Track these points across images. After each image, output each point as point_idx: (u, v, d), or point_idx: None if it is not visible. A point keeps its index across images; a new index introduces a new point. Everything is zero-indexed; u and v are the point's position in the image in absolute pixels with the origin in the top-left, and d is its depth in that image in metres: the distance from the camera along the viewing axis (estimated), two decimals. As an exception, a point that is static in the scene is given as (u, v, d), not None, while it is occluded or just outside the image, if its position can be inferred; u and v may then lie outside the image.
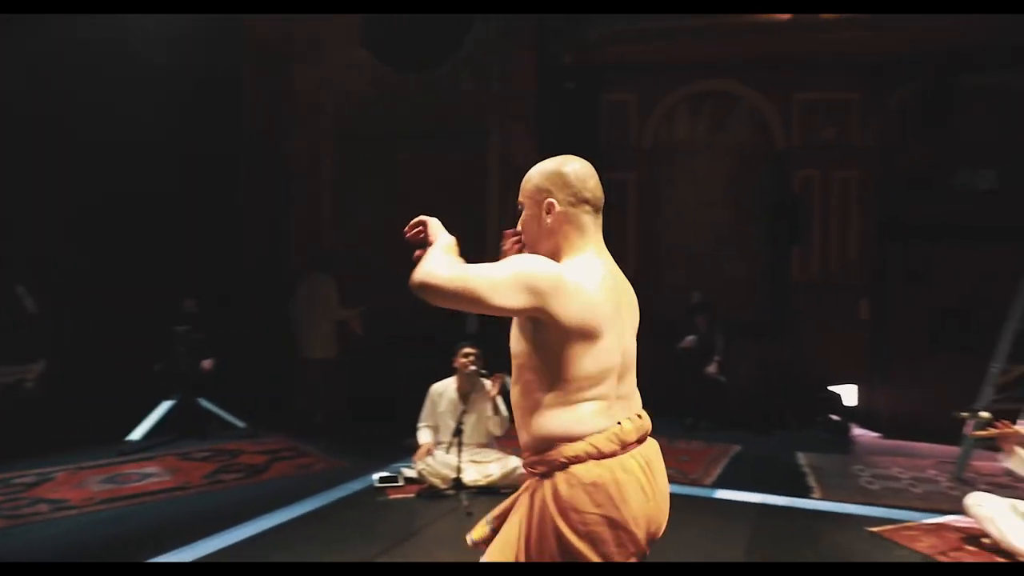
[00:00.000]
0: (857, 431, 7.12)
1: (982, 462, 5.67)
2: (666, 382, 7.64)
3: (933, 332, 7.67)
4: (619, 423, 1.75)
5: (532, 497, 1.76)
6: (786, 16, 7.17)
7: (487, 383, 5.14)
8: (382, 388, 7.35)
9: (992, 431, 4.09)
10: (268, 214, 8.33)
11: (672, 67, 8.03)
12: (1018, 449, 4.03)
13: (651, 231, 8.41)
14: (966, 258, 7.56)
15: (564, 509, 1.67)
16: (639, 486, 1.72)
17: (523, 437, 1.82)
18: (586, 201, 1.83)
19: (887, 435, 6.97)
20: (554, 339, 1.71)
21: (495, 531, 1.90)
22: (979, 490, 5.01)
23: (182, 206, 6.89)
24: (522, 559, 1.75)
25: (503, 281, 1.66)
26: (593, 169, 1.88)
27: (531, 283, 1.66)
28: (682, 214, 8.43)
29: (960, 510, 4.65)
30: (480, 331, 7.55)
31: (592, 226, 1.85)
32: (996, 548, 4.02)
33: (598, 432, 1.72)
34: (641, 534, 1.72)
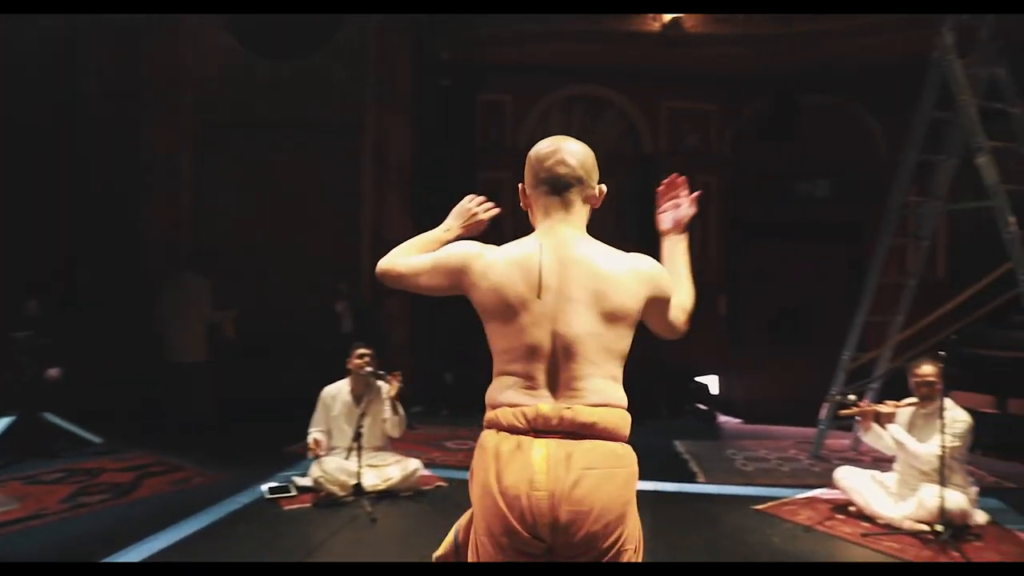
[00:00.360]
0: (722, 418, 7.66)
1: (831, 440, 6.29)
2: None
3: (778, 325, 8.44)
4: (541, 407, 1.70)
5: None
6: (656, 28, 7.57)
7: (383, 384, 5.00)
8: (257, 392, 6.92)
9: (855, 410, 4.55)
10: (122, 207, 7.56)
11: (547, 70, 8.21)
12: (874, 425, 4.50)
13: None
14: (804, 257, 8.40)
15: (471, 467, 1.80)
16: (527, 470, 1.64)
17: None
18: (542, 182, 1.86)
19: (747, 420, 7.57)
20: (480, 312, 1.83)
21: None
22: (833, 465, 5.57)
23: (28, 199, 6.10)
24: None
25: (427, 266, 1.88)
26: (557, 147, 1.86)
27: (442, 266, 1.87)
28: (554, 213, 8.64)
29: (823, 484, 5.16)
30: (356, 331, 7.33)
31: (550, 206, 1.86)
32: (861, 515, 4.48)
33: (509, 406, 1.72)
34: (515, 518, 1.63)
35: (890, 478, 4.55)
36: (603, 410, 1.71)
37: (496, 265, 1.79)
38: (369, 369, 4.98)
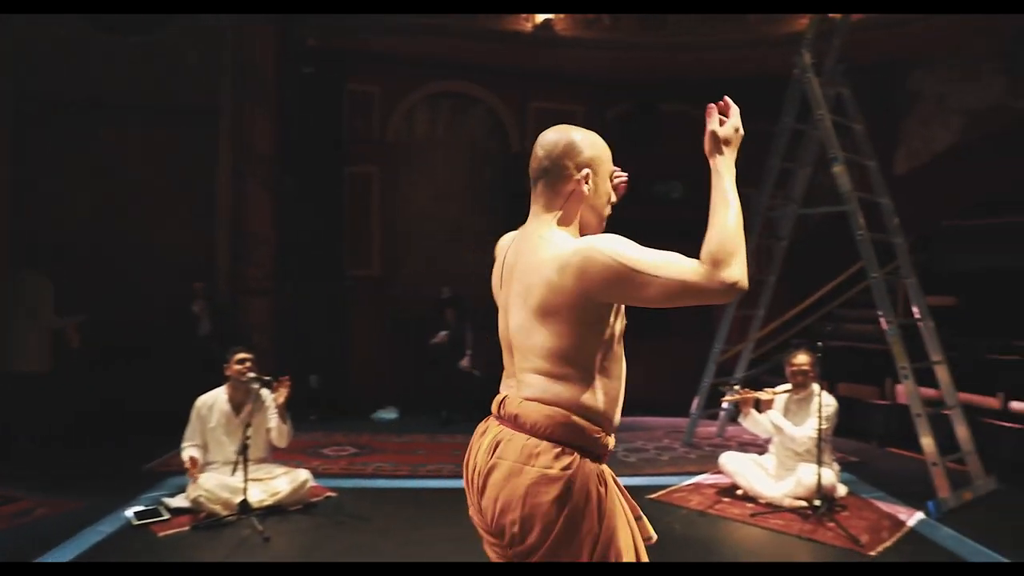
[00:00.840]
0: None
1: (701, 428, 6.69)
2: (420, 378, 7.65)
3: (640, 319, 8.86)
4: (501, 394, 1.78)
5: None
6: (528, 29, 7.65)
7: (266, 392, 4.63)
8: (109, 406, 6.14)
9: (737, 396, 4.86)
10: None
11: (418, 64, 8.02)
12: (753, 411, 4.84)
13: (393, 224, 8.31)
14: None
15: None
16: (471, 452, 1.78)
17: None
18: (530, 172, 1.81)
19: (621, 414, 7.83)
20: None
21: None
22: (705, 451, 5.92)
23: None
24: None
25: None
26: (545, 136, 1.81)
27: None
28: (422, 208, 8.49)
29: (704, 470, 5.47)
30: (214, 333, 6.77)
31: (535, 196, 1.79)
32: (746, 496, 4.80)
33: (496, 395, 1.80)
34: (469, 493, 1.75)
35: (768, 460, 4.91)
36: (530, 405, 1.66)
37: (498, 252, 1.90)
38: (252, 375, 4.59)
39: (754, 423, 4.91)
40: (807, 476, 4.57)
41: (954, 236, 8.78)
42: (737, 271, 1.52)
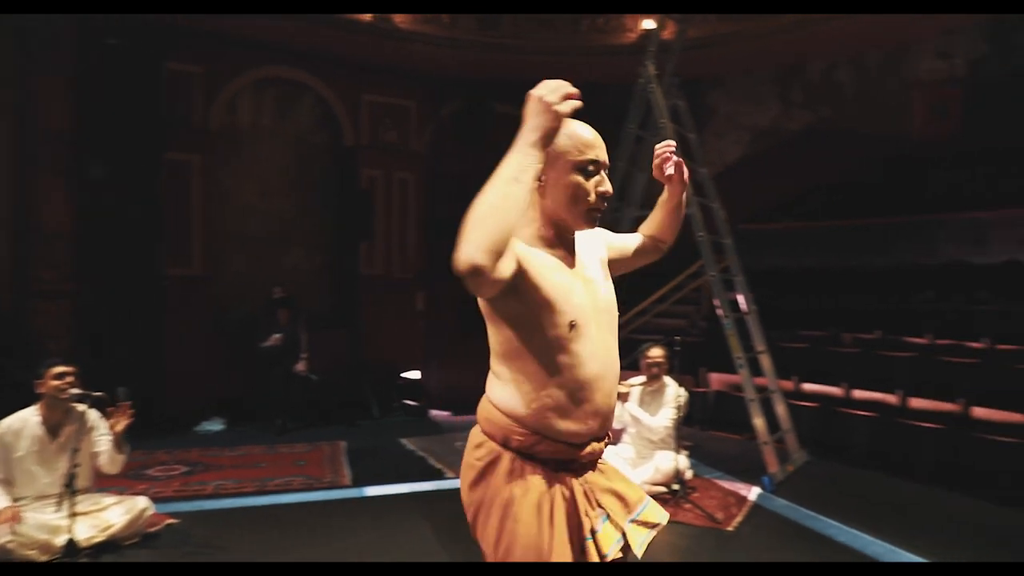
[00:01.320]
0: (433, 412, 7.77)
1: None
2: (250, 385, 7.07)
3: (471, 319, 8.91)
4: None
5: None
6: (368, 18, 7.33)
7: (93, 411, 3.99)
8: None
9: None
10: None
11: (244, 45, 7.37)
12: (618, 404, 5.06)
13: (217, 219, 7.58)
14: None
15: None
16: None
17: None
18: None
19: (456, 412, 7.81)
20: None
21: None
22: None
23: None
24: None
25: None
26: None
27: None
28: (248, 202, 7.85)
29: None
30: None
31: None
32: (607, 488, 4.99)
33: None
34: None
35: (626, 450, 5.14)
36: (482, 398, 1.73)
37: None
38: (75, 391, 3.93)
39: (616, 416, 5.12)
40: (664, 462, 4.86)
41: (745, 239, 9.85)
42: (463, 251, 1.39)
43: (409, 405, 7.65)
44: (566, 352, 1.62)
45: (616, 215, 6.20)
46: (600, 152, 1.69)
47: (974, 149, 9.71)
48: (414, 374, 7.94)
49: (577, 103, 1.50)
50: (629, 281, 7.84)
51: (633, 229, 6.67)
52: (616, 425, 5.17)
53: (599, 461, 1.75)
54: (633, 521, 1.74)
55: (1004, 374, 5.85)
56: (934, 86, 11.37)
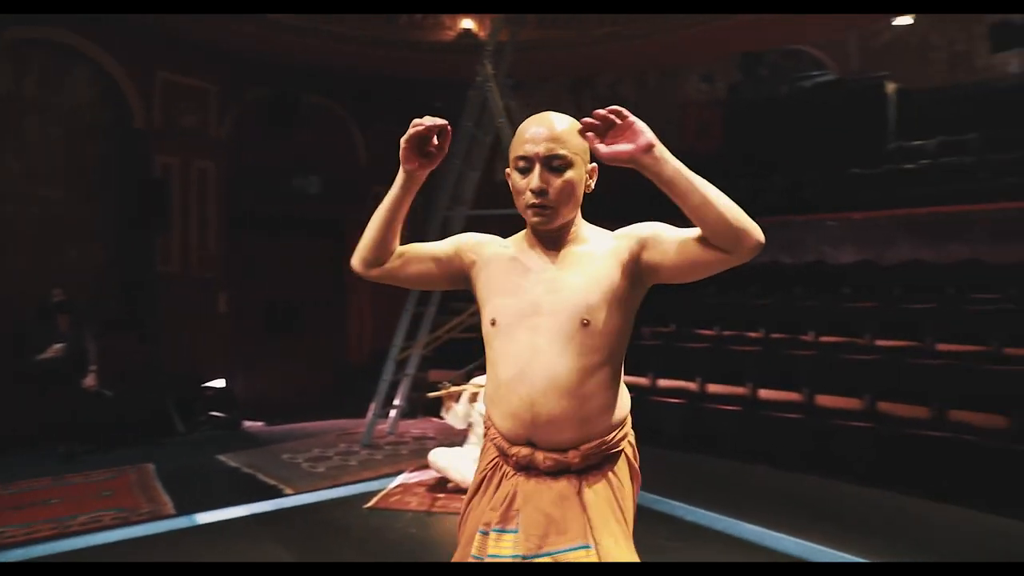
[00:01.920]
0: (246, 424, 7.12)
1: (378, 427, 6.60)
2: (21, 405, 5.97)
3: (278, 321, 8.34)
4: None
5: (610, 485, 1.67)
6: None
7: None
8: None
9: (443, 391, 4.99)
10: None
11: None
12: (455, 406, 5.04)
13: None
14: (297, 251, 8.54)
15: (636, 473, 1.78)
16: None
17: (607, 421, 1.66)
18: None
19: (270, 422, 7.23)
20: (636, 306, 1.70)
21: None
22: (386, 451, 5.94)
23: None
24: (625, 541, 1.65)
25: None
26: None
27: None
28: (12, 187, 6.59)
29: (399, 470, 5.46)
30: None
31: None
32: (458, 489, 4.94)
33: None
34: None
35: (475, 451, 5.11)
36: None
37: None
38: None
39: (455, 417, 5.08)
40: (517, 460, 4.92)
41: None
42: None
43: (217, 417, 6.95)
44: (491, 348, 1.69)
45: (448, 214, 6.16)
46: (530, 146, 1.61)
47: (735, 163, 11.06)
48: (219, 383, 7.24)
49: (420, 127, 1.62)
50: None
51: (465, 229, 6.68)
52: (460, 425, 5.14)
53: (590, 482, 1.65)
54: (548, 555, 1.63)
55: (781, 359, 6.72)
56: (700, 106, 12.81)
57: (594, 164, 1.66)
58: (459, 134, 6.10)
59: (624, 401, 1.73)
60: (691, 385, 6.79)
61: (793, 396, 6.07)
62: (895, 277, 7.57)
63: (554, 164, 1.59)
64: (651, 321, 8.17)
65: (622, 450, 1.70)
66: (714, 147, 12.12)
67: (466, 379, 5.15)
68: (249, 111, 8.04)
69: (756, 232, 1.47)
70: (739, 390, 6.45)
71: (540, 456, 1.63)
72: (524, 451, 1.64)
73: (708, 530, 4.21)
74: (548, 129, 1.60)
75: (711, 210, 1.47)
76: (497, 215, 7.77)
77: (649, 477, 4.94)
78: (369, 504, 4.72)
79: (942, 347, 6.15)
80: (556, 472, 1.64)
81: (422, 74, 8.51)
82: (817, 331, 7.04)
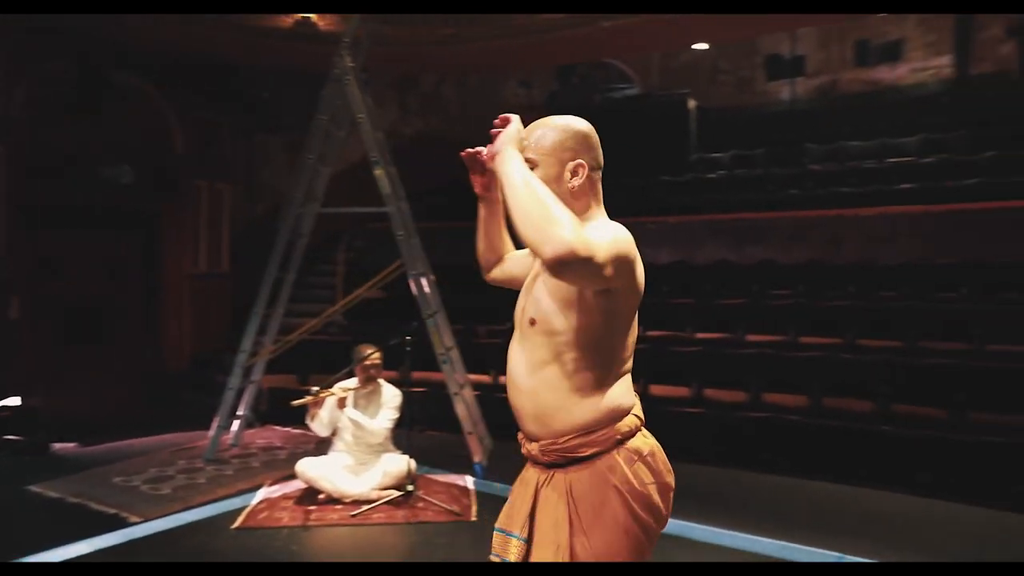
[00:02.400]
0: (55, 446, 6.15)
1: (203, 441, 6.05)
2: None
3: (80, 326, 7.38)
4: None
5: (568, 486, 1.66)
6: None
7: None
8: None
9: (309, 399, 4.75)
10: None
11: None
12: (320, 413, 4.83)
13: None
14: (104, 248, 7.64)
15: (633, 489, 1.63)
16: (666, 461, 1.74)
17: (562, 422, 1.66)
18: (601, 167, 1.79)
19: (85, 443, 6.32)
20: (624, 308, 1.66)
21: (528, 540, 1.71)
22: (231, 464, 5.56)
23: None
24: (585, 556, 1.62)
25: (612, 252, 1.54)
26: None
27: (628, 254, 1.60)
28: None
29: (257, 484, 5.11)
30: None
31: (601, 192, 1.80)
32: (330, 499, 4.72)
33: (635, 403, 1.74)
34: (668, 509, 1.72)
35: (342, 458, 4.90)
36: None
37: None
38: None
39: (321, 424, 4.86)
40: (393, 465, 4.81)
41: (375, 236, 10.12)
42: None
43: (15, 441, 5.97)
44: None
45: (301, 211, 5.83)
46: (526, 151, 1.70)
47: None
48: (13, 400, 6.22)
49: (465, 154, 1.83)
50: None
51: (315, 226, 6.42)
52: (324, 432, 4.93)
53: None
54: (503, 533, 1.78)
55: None
56: (519, 110, 13.24)
57: (579, 161, 1.71)
58: (313, 128, 5.80)
59: (590, 410, 1.66)
60: (487, 378, 6.99)
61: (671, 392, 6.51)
62: (706, 276, 8.39)
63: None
64: (487, 319, 8.32)
65: (589, 458, 1.66)
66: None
67: (326, 386, 4.91)
68: (48, 88, 7.00)
69: (547, 247, 1.42)
70: None
71: (534, 449, 1.74)
72: (529, 447, 1.77)
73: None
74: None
75: (516, 221, 1.49)
76: (349, 213, 7.53)
77: (507, 468, 5.02)
78: (236, 524, 4.36)
79: (751, 338, 6.97)
80: (533, 462, 1.76)
81: (252, 61, 7.97)
82: (644, 327, 7.62)
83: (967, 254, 6.91)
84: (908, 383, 5.64)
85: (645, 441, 1.71)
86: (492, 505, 4.69)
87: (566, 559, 1.62)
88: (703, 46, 11.60)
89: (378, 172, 5.54)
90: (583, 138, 1.74)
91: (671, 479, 1.72)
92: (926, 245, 7.31)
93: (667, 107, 11.17)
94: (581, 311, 1.64)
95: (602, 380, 1.67)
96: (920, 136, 9.01)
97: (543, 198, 1.48)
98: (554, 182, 1.68)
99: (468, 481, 5.23)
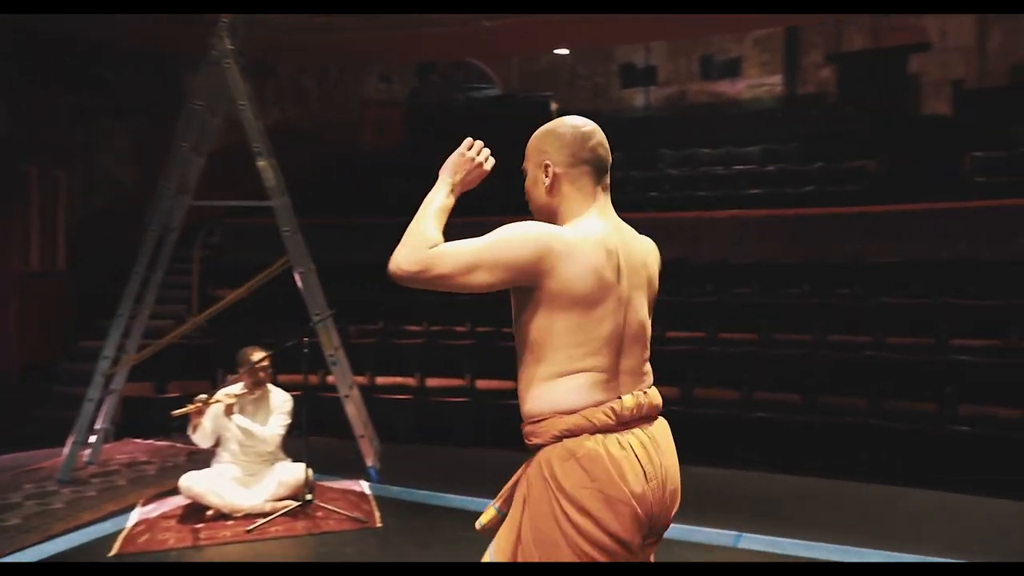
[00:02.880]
0: None
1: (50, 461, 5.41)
2: None
3: None
4: (619, 397, 1.68)
5: (527, 472, 1.70)
6: None
7: None
8: None
9: (189, 408, 4.40)
10: None
11: None
12: (204, 423, 4.50)
13: None
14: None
15: (560, 484, 1.62)
16: (636, 464, 1.65)
17: (522, 409, 1.73)
18: (586, 162, 1.76)
19: None
20: (560, 307, 1.64)
21: (503, 514, 1.75)
22: (89, 482, 5.05)
23: None
24: (526, 538, 1.66)
25: (484, 259, 1.60)
26: (596, 129, 1.79)
27: (511, 258, 1.61)
28: None
29: (127, 505, 4.66)
30: None
31: (595, 188, 1.77)
32: (221, 514, 4.38)
33: (594, 405, 1.65)
34: (645, 515, 1.64)
35: (229, 469, 4.57)
36: (656, 389, 1.82)
37: (582, 245, 1.64)
38: None
39: (203, 435, 4.53)
40: (288, 474, 4.56)
41: (233, 232, 9.51)
42: None
43: None
44: None
45: (173, 203, 5.35)
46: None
47: (419, 163, 11.49)
48: None
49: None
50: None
51: (185, 219, 6.02)
52: (206, 443, 4.58)
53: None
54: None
55: (444, 349, 7.26)
56: (380, 104, 13.01)
57: (546, 160, 1.76)
58: (186, 115, 5.34)
59: (535, 403, 1.70)
60: (410, 380, 6.94)
61: (457, 382, 6.73)
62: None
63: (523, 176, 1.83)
64: (359, 318, 8.07)
65: (537, 448, 1.68)
66: (394, 144, 12.42)
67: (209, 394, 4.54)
68: None
69: (392, 263, 1.63)
70: (457, 382, 6.82)
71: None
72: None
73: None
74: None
75: None
76: (222, 206, 7.00)
77: (403, 470, 4.96)
78: (113, 551, 3.93)
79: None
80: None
81: (95, 36, 7.19)
82: (473, 323, 7.73)
83: (808, 255, 7.65)
84: (768, 372, 6.18)
85: (587, 445, 1.63)
86: (394, 510, 4.59)
87: (514, 536, 1.67)
88: (563, 51, 11.97)
89: (262, 164, 5.21)
90: (554, 137, 1.77)
91: (617, 492, 1.60)
92: (772, 246, 8.01)
93: (530, 109, 11.42)
94: (520, 308, 1.70)
95: (547, 375, 1.67)
96: (760, 146, 9.86)
97: (414, 220, 1.68)
98: (534, 186, 1.80)
99: (364, 486, 5.06)
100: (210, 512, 4.39)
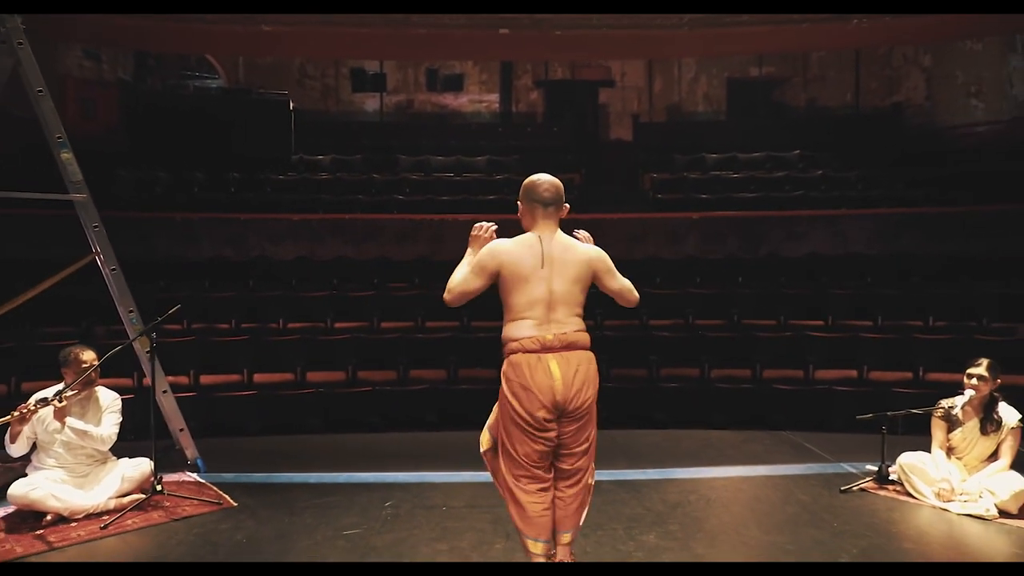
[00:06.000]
0: None
1: None
2: None
3: None
4: (546, 336, 2.97)
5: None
6: None
7: None
8: None
9: (14, 415, 4.26)
10: None
11: None
12: (24, 430, 4.37)
13: None
14: None
15: (504, 378, 3.03)
16: (546, 370, 2.93)
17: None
18: (537, 200, 3.06)
19: None
20: (502, 284, 3.02)
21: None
22: None
23: None
24: (495, 412, 3.17)
25: (475, 277, 3.00)
26: (549, 179, 3.09)
27: (486, 270, 2.99)
28: None
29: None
30: None
31: (540, 215, 3.06)
32: (62, 519, 4.25)
33: (527, 338, 2.98)
34: (547, 399, 2.92)
35: (59, 474, 4.42)
36: (578, 333, 3.04)
37: (513, 250, 2.99)
38: None
39: (22, 443, 4.38)
40: (131, 470, 4.59)
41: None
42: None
43: None
44: None
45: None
46: None
47: (143, 153, 10.80)
48: None
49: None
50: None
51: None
52: (20, 452, 4.42)
53: None
54: None
55: (271, 344, 7.55)
56: (85, 83, 11.80)
57: (519, 201, 3.14)
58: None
59: (503, 334, 3.07)
60: (287, 376, 7.11)
61: (389, 375, 7.22)
62: (330, 271, 9.19)
63: None
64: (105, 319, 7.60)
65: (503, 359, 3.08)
66: (104, 130, 11.40)
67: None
68: None
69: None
70: (337, 375, 7.18)
71: None
72: None
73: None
74: None
75: None
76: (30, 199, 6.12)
77: (251, 460, 5.35)
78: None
79: (386, 324, 8.08)
80: None
81: None
82: (287, 319, 8.07)
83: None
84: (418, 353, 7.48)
85: (519, 357, 2.97)
86: (242, 491, 4.82)
87: (494, 412, 3.17)
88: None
89: (66, 156, 4.93)
90: (522, 186, 3.11)
91: (527, 383, 2.93)
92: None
93: (269, 106, 11.42)
94: (499, 288, 3.06)
95: (508, 320, 3.06)
96: (486, 157, 11.30)
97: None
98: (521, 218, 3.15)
99: (195, 476, 5.17)
100: (49, 517, 4.24)
